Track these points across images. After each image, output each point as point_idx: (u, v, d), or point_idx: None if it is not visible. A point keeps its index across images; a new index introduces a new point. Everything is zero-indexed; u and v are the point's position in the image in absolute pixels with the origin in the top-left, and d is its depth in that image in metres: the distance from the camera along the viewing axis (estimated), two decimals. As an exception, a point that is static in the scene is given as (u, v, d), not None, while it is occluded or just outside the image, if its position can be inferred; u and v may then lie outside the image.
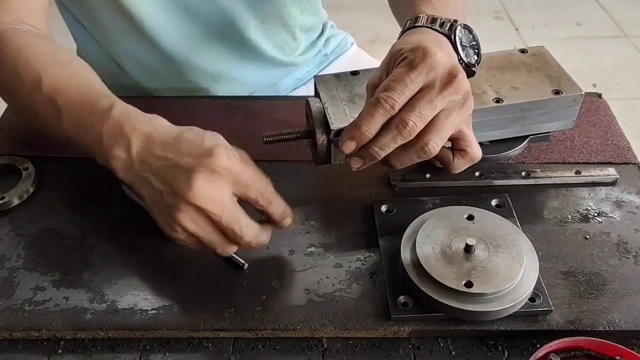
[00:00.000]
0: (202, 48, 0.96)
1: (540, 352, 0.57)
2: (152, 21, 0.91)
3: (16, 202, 0.75)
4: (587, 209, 0.74)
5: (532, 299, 0.62)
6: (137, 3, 0.88)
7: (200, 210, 0.57)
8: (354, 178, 0.78)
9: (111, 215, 0.74)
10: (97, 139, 0.64)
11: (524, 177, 0.77)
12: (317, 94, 0.73)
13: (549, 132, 0.76)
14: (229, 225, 0.58)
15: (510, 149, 0.74)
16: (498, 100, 0.71)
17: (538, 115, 0.73)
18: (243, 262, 0.67)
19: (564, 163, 0.80)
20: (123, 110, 0.64)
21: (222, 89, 1.01)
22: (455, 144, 0.63)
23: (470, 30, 0.69)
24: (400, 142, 0.58)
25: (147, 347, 0.62)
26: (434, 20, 0.68)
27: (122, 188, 0.75)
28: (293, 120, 0.83)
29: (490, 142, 0.74)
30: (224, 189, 0.58)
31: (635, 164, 0.80)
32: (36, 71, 0.70)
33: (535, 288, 0.62)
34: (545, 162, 0.80)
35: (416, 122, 0.57)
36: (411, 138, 0.58)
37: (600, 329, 0.61)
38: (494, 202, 0.73)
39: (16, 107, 0.78)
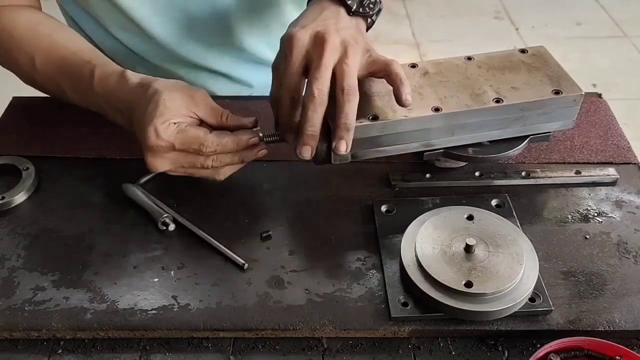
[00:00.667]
0: (201, 50, 0.96)
1: (540, 352, 0.57)
2: (150, 23, 0.91)
3: (16, 202, 0.75)
4: (587, 209, 0.74)
5: (532, 299, 0.62)
6: (135, 5, 0.88)
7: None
8: (354, 178, 0.78)
9: (111, 215, 0.74)
10: (99, 109, 0.76)
11: (524, 177, 0.77)
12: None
13: (549, 132, 0.76)
14: (195, 172, 0.70)
15: (510, 149, 0.74)
16: (498, 100, 0.71)
17: (538, 115, 0.73)
18: (243, 262, 0.67)
19: (564, 163, 0.80)
20: (101, 80, 0.73)
21: (222, 89, 1.01)
22: (383, 77, 0.69)
23: None
24: (320, 110, 0.65)
25: (147, 347, 0.62)
26: None
27: (122, 188, 0.75)
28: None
29: (490, 142, 0.74)
30: (169, 159, 0.68)
31: (635, 164, 0.80)
32: (28, 53, 0.79)
33: (535, 288, 0.62)
34: (545, 162, 0.80)
35: (320, 88, 0.64)
36: (323, 102, 0.65)
37: (600, 329, 0.61)
38: (494, 202, 0.73)
39: (25, 82, 0.85)
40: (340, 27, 0.68)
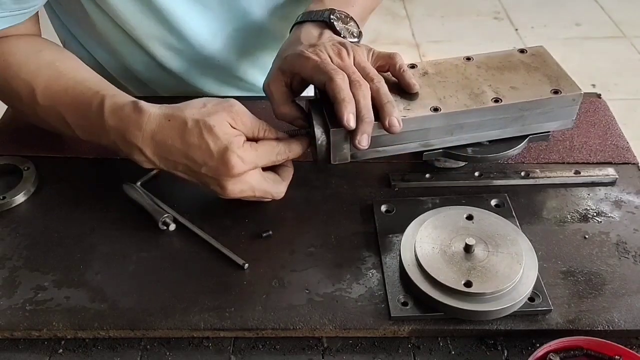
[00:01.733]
0: (205, 82, 0.97)
1: (540, 351, 0.57)
2: (161, 56, 0.91)
3: (17, 202, 0.75)
4: (586, 209, 0.74)
5: (531, 299, 0.62)
6: (134, 22, 0.88)
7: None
8: (354, 178, 0.78)
9: (111, 215, 0.74)
10: (113, 146, 0.70)
11: (523, 177, 0.77)
12: (316, 95, 0.73)
13: (548, 132, 0.76)
14: (263, 197, 0.70)
15: (510, 149, 0.74)
16: (497, 100, 0.71)
17: (537, 115, 0.73)
18: (243, 262, 0.67)
19: (563, 163, 0.80)
20: (113, 112, 0.68)
21: None
22: (387, 70, 0.73)
23: (347, 16, 0.79)
24: (368, 97, 0.66)
25: (148, 346, 0.62)
26: (310, 13, 0.78)
27: (122, 188, 0.75)
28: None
29: (490, 142, 0.74)
30: (249, 184, 0.67)
31: (634, 164, 0.80)
32: (27, 82, 0.73)
33: (535, 288, 0.62)
34: (545, 162, 0.80)
35: (359, 77, 0.67)
36: (368, 88, 0.67)
37: (599, 329, 0.61)
38: (493, 202, 0.74)
39: (23, 115, 0.80)
40: (339, 39, 0.74)
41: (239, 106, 0.67)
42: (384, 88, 0.68)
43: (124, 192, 0.75)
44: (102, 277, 0.67)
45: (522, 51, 0.79)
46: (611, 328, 0.61)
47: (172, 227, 0.71)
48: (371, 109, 0.66)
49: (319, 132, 0.68)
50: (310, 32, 0.76)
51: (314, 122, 0.68)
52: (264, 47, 0.98)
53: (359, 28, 0.79)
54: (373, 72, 0.69)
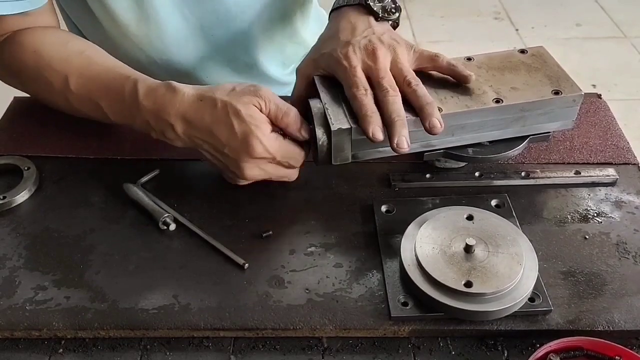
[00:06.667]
0: (211, 68, 0.97)
1: (540, 352, 0.57)
2: (167, 38, 0.91)
3: (18, 201, 0.75)
4: (586, 209, 0.74)
5: (531, 299, 0.62)
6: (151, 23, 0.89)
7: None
8: (354, 178, 0.78)
9: (112, 215, 0.74)
10: (146, 126, 0.72)
11: (523, 178, 0.77)
12: (317, 95, 0.73)
13: (548, 133, 0.76)
14: (279, 179, 0.72)
15: (510, 149, 0.74)
16: (498, 101, 0.71)
17: (538, 116, 0.73)
18: (243, 262, 0.67)
19: (564, 163, 0.80)
20: (148, 93, 0.70)
21: None
22: (432, 69, 0.74)
23: None
24: (398, 100, 0.67)
25: (148, 346, 0.62)
26: None
27: (123, 188, 0.75)
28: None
29: (490, 142, 0.74)
30: (265, 170, 0.69)
31: (634, 164, 0.80)
32: (60, 72, 0.76)
33: (535, 288, 0.62)
34: (545, 163, 0.80)
35: (390, 83, 0.68)
36: (398, 93, 0.68)
37: (599, 329, 0.61)
38: (493, 203, 0.74)
39: (54, 105, 0.82)
40: (378, 34, 0.73)
41: (265, 90, 0.68)
42: (421, 90, 0.68)
43: (124, 192, 0.75)
44: (102, 277, 0.67)
45: (522, 51, 0.79)
46: (611, 328, 0.61)
47: (172, 227, 0.71)
48: (402, 111, 0.67)
49: (319, 132, 0.68)
50: (348, 21, 0.75)
51: (315, 123, 0.68)
52: (273, 33, 0.98)
53: (395, 3, 0.78)
54: (411, 75, 0.70)
